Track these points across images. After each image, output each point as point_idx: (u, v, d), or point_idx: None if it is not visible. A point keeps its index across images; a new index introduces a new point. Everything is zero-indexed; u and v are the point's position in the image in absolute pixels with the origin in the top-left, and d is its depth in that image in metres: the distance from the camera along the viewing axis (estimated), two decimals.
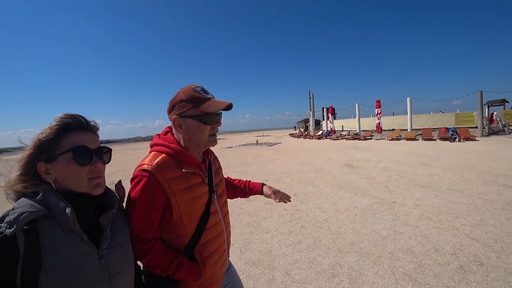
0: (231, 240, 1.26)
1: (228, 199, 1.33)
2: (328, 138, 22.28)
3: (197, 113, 0.99)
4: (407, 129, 19.23)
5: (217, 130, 1.07)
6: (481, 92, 16.45)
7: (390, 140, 17.28)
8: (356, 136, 19.93)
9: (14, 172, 0.74)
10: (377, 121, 19.06)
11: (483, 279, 2.29)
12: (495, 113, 19.23)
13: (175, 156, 0.98)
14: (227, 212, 1.21)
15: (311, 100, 32.49)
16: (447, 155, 9.73)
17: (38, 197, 0.70)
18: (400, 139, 17.08)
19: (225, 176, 1.41)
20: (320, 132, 25.10)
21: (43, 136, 0.74)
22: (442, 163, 8.03)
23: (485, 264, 2.51)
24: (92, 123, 0.83)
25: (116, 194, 0.92)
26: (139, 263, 0.98)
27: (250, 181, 1.51)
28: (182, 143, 1.04)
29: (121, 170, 10.95)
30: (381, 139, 18.42)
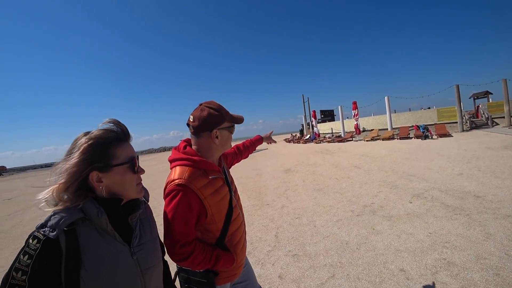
0: None
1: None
2: (313, 142, 22.32)
3: (229, 125, 1.17)
4: (387, 129, 18.94)
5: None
6: (458, 86, 16.00)
7: (367, 141, 17.13)
8: (336, 139, 19.86)
9: (58, 180, 0.74)
10: (355, 123, 18.92)
11: None
12: (480, 105, 18.48)
13: (200, 167, 1.10)
14: (241, 205, 1.37)
15: (305, 104, 32.60)
16: (396, 155, 9.73)
17: (77, 205, 0.75)
18: (377, 139, 16.89)
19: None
20: (307, 137, 25.14)
21: (96, 141, 0.76)
22: (376, 165, 8.15)
23: None
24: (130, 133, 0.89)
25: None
26: (169, 261, 1.11)
27: (250, 139, 1.88)
28: (204, 152, 1.16)
29: None
30: (360, 140, 18.27)
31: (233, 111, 1.25)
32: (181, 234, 1.03)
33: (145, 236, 0.89)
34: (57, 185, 0.74)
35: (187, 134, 1.25)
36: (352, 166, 8.46)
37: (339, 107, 22.41)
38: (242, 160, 1.82)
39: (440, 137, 14.00)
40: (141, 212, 0.91)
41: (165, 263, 1.05)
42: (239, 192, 1.52)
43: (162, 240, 1.07)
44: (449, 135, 14.16)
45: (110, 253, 0.77)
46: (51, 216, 0.72)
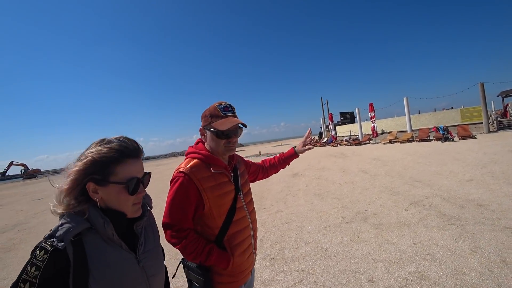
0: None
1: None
2: (330, 145, 21.90)
3: (212, 128, 1.16)
4: (406, 131, 18.09)
5: (234, 142, 1.21)
6: (482, 84, 14.94)
7: (384, 143, 16.50)
8: (353, 142, 19.31)
9: (64, 185, 0.76)
10: (372, 125, 18.30)
11: None
12: (509, 104, 17.05)
13: (204, 160, 1.16)
14: (253, 209, 1.35)
15: (324, 106, 32.11)
16: (409, 159, 9.33)
17: (81, 214, 0.76)
18: (395, 142, 16.21)
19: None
20: (325, 140, 24.70)
21: (98, 157, 0.76)
22: (384, 170, 7.90)
23: None
24: (141, 148, 0.87)
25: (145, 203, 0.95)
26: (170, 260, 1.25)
27: (283, 152, 1.73)
28: (209, 149, 1.21)
29: None
30: (377, 143, 17.62)
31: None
32: (176, 219, 1.08)
33: (149, 243, 0.90)
34: (62, 189, 0.76)
35: None
36: (359, 170, 8.26)
37: (357, 109, 21.82)
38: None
39: (463, 139, 13.15)
40: (145, 219, 0.92)
41: (165, 270, 1.05)
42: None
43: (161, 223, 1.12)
44: (472, 137, 13.27)
45: (117, 261, 0.77)
46: (58, 226, 0.73)
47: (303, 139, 1.72)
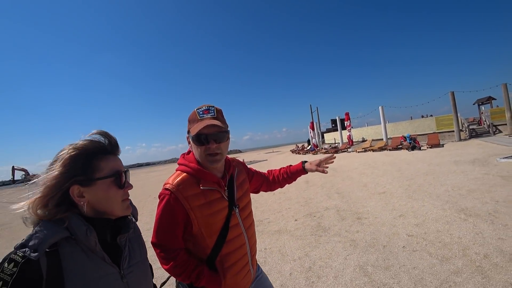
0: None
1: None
2: (311, 152, 22.26)
3: (190, 134, 1.06)
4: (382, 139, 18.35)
5: (213, 149, 1.04)
6: (453, 93, 15.19)
7: (358, 152, 16.78)
8: (331, 150, 19.61)
9: (34, 195, 0.67)
10: (348, 134, 18.61)
11: None
12: (483, 112, 17.21)
13: (194, 174, 1.05)
14: (252, 223, 1.22)
15: (314, 113, 32.49)
16: (360, 168, 9.62)
17: (61, 222, 0.67)
18: (368, 150, 16.48)
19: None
20: (308, 147, 25.03)
21: (76, 152, 0.69)
22: (321, 181, 8.22)
23: None
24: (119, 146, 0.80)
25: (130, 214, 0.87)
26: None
27: (290, 165, 1.54)
28: (199, 160, 1.08)
29: None
30: (353, 151, 17.89)
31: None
32: (164, 239, 1.02)
33: (134, 257, 0.82)
34: (34, 200, 0.67)
35: None
36: (304, 180, 8.56)
37: (337, 117, 22.15)
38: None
39: (432, 147, 13.38)
40: (130, 232, 0.84)
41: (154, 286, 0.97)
42: None
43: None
44: (440, 145, 13.48)
45: (98, 276, 0.69)
46: (32, 235, 0.63)
47: (322, 157, 1.51)
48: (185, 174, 1.06)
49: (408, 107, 31.92)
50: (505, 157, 7.25)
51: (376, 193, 5.66)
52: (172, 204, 1.00)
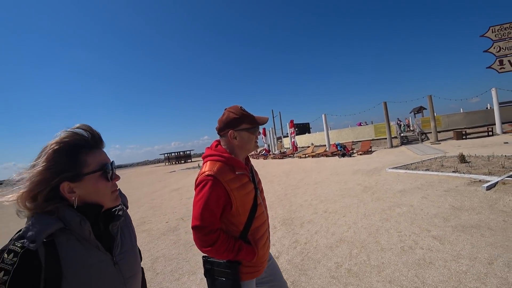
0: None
1: None
2: (262, 157, 22.46)
3: (249, 126, 1.25)
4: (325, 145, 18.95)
5: (257, 139, 1.35)
6: (385, 103, 16.09)
7: (300, 158, 17.15)
8: (278, 156, 19.94)
9: (20, 189, 0.69)
10: (292, 140, 19.01)
11: None
12: (415, 120, 18.45)
13: (227, 162, 1.20)
14: (266, 205, 1.43)
15: (276, 118, 32.88)
16: (279, 174, 9.73)
17: (53, 214, 0.70)
18: (308, 156, 16.90)
19: None
20: (259, 152, 25.30)
21: (61, 150, 0.71)
22: None
23: None
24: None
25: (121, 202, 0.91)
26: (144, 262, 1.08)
27: None
28: (231, 151, 1.26)
29: None
30: (296, 157, 18.29)
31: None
32: (208, 221, 1.11)
33: (126, 244, 0.86)
34: (21, 193, 0.69)
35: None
36: None
37: (288, 124, 22.57)
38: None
39: (362, 154, 13.94)
40: (122, 220, 0.87)
41: (142, 270, 1.00)
42: None
43: (191, 225, 1.16)
44: (369, 152, 14.10)
45: (93, 263, 0.73)
46: (29, 227, 0.66)
47: None
48: (220, 162, 1.18)
49: (347, 115, 33.49)
50: (393, 167, 7.63)
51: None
52: (216, 187, 1.12)
